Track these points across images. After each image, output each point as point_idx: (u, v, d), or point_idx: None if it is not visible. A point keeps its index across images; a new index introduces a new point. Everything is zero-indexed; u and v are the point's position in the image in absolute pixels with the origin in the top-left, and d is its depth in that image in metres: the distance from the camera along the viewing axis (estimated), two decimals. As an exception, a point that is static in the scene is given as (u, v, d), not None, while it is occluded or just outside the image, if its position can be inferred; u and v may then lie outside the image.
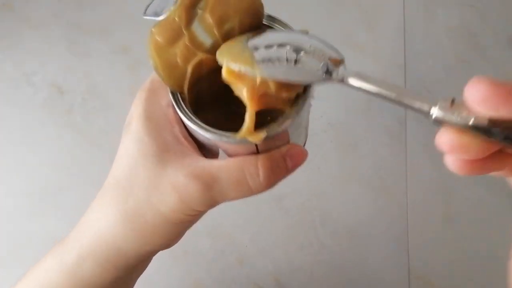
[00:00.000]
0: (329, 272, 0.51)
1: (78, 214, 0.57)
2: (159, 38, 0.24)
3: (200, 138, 0.25)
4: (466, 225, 0.51)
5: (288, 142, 0.26)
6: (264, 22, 0.26)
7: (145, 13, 0.24)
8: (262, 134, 0.23)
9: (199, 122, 0.24)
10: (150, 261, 0.30)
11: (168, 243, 0.26)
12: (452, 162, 0.19)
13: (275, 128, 0.23)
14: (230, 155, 0.26)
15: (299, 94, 0.24)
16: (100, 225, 0.25)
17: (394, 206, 0.52)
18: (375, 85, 0.21)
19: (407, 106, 0.20)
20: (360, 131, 0.54)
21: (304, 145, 0.32)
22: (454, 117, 0.19)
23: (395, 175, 0.53)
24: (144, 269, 0.30)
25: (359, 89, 0.22)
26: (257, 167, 0.24)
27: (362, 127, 0.54)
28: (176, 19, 0.24)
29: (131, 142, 0.25)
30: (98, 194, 0.26)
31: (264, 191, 0.25)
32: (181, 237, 0.27)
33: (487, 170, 0.20)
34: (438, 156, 0.20)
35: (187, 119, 0.24)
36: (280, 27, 0.26)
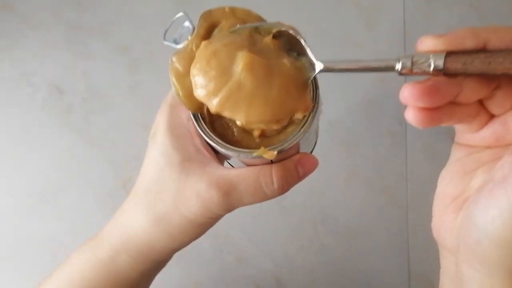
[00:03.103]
0: (329, 272, 0.51)
1: (77, 214, 0.57)
2: (179, 67, 0.26)
3: (218, 150, 0.27)
4: (466, 224, 0.51)
5: (298, 150, 0.28)
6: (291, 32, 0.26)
7: (164, 39, 0.26)
8: (274, 152, 0.25)
9: (220, 141, 0.26)
10: (173, 255, 0.33)
11: (193, 240, 0.30)
12: (412, 114, 0.21)
13: (286, 145, 0.25)
14: (246, 164, 0.28)
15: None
16: (133, 224, 0.29)
17: (394, 205, 0.52)
18: (344, 65, 0.24)
19: (375, 70, 0.23)
20: (360, 131, 0.54)
21: (315, 144, 0.35)
22: (417, 61, 0.21)
23: (395, 174, 0.53)
24: (167, 261, 0.34)
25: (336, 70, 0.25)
26: (271, 176, 0.27)
27: (363, 126, 0.54)
28: (194, 49, 0.26)
29: (158, 153, 0.28)
30: (130, 196, 0.30)
31: (278, 196, 0.27)
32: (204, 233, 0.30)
33: (441, 120, 0.22)
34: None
35: (209, 139, 0.26)
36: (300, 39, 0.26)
